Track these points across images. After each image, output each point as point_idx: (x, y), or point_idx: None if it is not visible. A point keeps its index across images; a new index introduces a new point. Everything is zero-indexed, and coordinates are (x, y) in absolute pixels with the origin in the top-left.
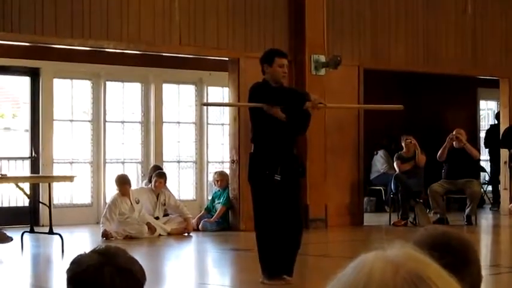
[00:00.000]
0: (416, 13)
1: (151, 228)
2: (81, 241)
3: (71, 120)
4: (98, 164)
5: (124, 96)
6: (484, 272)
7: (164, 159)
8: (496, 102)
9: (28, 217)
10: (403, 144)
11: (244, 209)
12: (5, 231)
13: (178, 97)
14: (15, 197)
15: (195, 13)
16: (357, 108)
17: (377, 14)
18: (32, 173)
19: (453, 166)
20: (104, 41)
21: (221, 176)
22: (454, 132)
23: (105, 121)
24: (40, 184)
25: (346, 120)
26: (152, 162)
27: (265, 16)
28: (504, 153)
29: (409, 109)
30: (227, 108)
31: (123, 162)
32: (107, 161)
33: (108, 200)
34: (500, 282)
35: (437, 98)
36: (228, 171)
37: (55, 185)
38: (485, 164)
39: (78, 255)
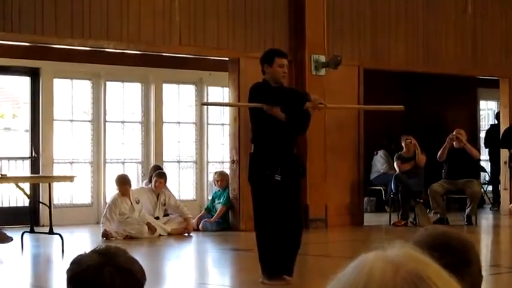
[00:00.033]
0: (417, 13)
1: (152, 228)
2: (81, 241)
3: (71, 120)
4: (98, 164)
5: (124, 96)
6: (484, 272)
7: (164, 159)
8: (496, 102)
9: (28, 217)
10: (403, 144)
11: (244, 209)
12: (5, 231)
13: (178, 97)
14: (16, 197)
15: (195, 13)
16: (357, 109)
17: (377, 14)
18: (32, 173)
19: (453, 166)
20: (104, 41)
21: (221, 176)
22: (454, 132)
23: (105, 121)
24: (40, 184)
25: (346, 120)
26: (152, 162)
27: (265, 16)
28: (504, 153)
29: (409, 109)
30: (227, 108)
31: (123, 162)
32: (107, 161)
33: (108, 200)
34: (500, 282)
35: (437, 98)
36: (228, 171)
37: (55, 185)
38: (486, 164)
39: (78, 255)
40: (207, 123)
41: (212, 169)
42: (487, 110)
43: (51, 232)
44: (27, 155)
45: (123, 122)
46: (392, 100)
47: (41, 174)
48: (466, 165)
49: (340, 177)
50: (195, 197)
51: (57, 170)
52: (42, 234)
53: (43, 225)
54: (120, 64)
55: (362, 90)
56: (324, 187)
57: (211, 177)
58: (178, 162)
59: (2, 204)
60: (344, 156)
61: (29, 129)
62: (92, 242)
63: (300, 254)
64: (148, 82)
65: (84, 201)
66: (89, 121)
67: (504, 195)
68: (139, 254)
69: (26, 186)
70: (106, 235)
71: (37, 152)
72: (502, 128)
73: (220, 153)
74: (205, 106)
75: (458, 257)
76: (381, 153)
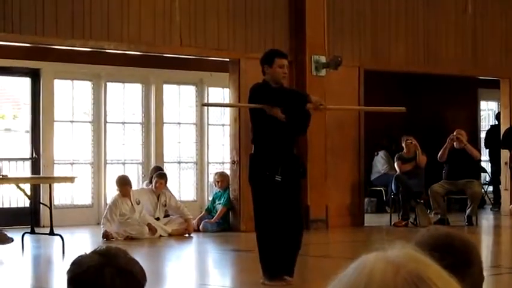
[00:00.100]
0: (417, 13)
1: (152, 229)
2: (81, 242)
3: (72, 121)
4: (98, 164)
5: (124, 97)
6: (485, 272)
7: (165, 160)
8: (497, 103)
9: (29, 218)
10: (403, 145)
11: (244, 210)
12: (5, 232)
13: (178, 98)
14: (16, 198)
15: (195, 14)
16: (358, 110)
17: (377, 14)
18: (32, 173)
19: (454, 167)
20: (105, 42)
21: (222, 177)
22: (454, 133)
23: (105, 122)
24: (41, 185)
25: (347, 121)
26: (153, 163)
27: (266, 17)
28: (505, 153)
29: (409, 109)
30: (228, 109)
31: (123, 163)
32: (107, 161)
33: (108, 201)
34: (500, 282)
35: (437, 98)
36: (228, 172)
37: (56, 186)
38: (486, 165)
39: (78, 256)
40: (208, 124)
41: (213, 170)
42: (488, 111)
43: (51, 233)
44: (28, 155)
45: (123, 123)
46: (392, 101)
47: (41, 175)
48: (467, 166)
49: (341, 177)
50: (195, 198)
51: (58, 171)
52: (43, 235)
53: (44, 226)
54: (120, 65)
55: (362, 91)
56: (325, 188)
57: (211, 178)
58: (179, 163)
59: (3, 205)
60: (344, 157)
61: (30, 130)
62: (92, 242)
63: (301, 255)
64: (149, 83)
65: (85, 202)
66: (90, 122)
67: (505, 195)
68: (139, 255)
69: (27, 187)
70: (106, 236)
71: (38, 153)
72: (503, 129)
73: (221, 153)
74: (205, 107)
75: (459, 258)
76: (381, 153)
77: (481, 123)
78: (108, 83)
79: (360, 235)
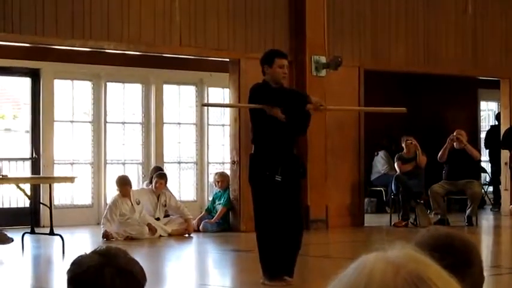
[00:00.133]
0: (417, 13)
1: (152, 229)
2: (81, 242)
3: (72, 121)
4: (98, 165)
5: (124, 97)
6: (485, 272)
7: (165, 160)
8: (497, 103)
9: (29, 218)
10: (403, 145)
11: (244, 210)
12: (5, 232)
13: (178, 98)
14: (16, 198)
15: (195, 14)
16: (359, 111)
17: (377, 14)
18: (32, 173)
19: (454, 167)
20: (105, 42)
21: (222, 177)
22: (454, 133)
23: (105, 122)
24: (41, 185)
25: (347, 121)
26: (153, 163)
27: (266, 17)
28: (505, 154)
29: (409, 110)
30: (228, 109)
31: (123, 163)
32: (107, 162)
33: (108, 201)
34: (500, 283)
35: (437, 98)
36: (228, 172)
37: (56, 186)
38: (486, 165)
39: (78, 256)
40: (208, 124)
41: (213, 170)
42: (488, 111)
43: (51, 233)
44: (28, 155)
45: (123, 123)
46: (392, 101)
47: (41, 175)
48: (467, 166)
49: (341, 178)
50: (195, 198)
51: (58, 171)
52: (43, 235)
53: (43, 226)
54: (120, 65)
55: (362, 91)
56: (325, 188)
57: (211, 178)
58: (179, 163)
59: (3, 205)
60: (344, 157)
61: (30, 130)
62: (92, 242)
63: (301, 255)
64: (149, 83)
65: (85, 202)
66: (90, 122)
67: (505, 196)
68: (139, 255)
69: (27, 187)
70: (106, 236)
71: (37, 153)
72: (503, 129)
73: (221, 154)
74: (205, 107)
75: (459, 258)
76: (381, 154)
77: (481, 124)
78: (108, 83)
79: (360, 235)
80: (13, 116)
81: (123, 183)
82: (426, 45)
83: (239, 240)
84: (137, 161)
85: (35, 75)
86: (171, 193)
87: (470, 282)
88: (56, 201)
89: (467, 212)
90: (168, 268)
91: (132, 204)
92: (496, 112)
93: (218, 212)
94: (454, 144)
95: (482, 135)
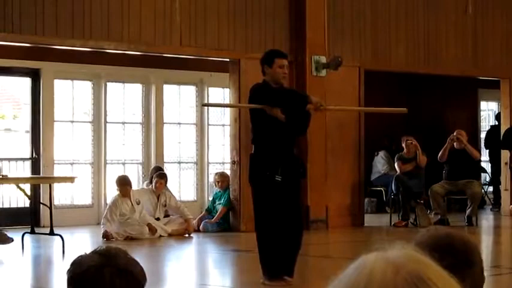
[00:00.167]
0: (417, 14)
1: (152, 229)
2: (81, 242)
3: (72, 121)
4: (98, 165)
5: (125, 97)
6: (485, 273)
7: (165, 160)
8: (497, 103)
9: (29, 218)
10: (403, 145)
11: (245, 210)
12: (5, 232)
13: (179, 98)
14: (16, 198)
15: (195, 14)
16: (360, 111)
17: (377, 14)
18: (32, 173)
19: (454, 167)
20: (105, 42)
21: (222, 177)
22: (454, 133)
23: (105, 122)
24: (41, 185)
25: (347, 121)
26: (153, 163)
27: (266, 17)
28: (505, 154)
29: (409, 110)
30: (228, 109)
31: (123, 163)
32: (107, 162)
33: (108, 201)
34: (500, 283)
35: (438, 98)
36: (228, 172)
37: (56, 186)
38: (486, 165)
39: (78, 256)
40: (208, 124)
41: (213, 170)
42: (488, 111)
43: (51, 233)
44: (28, 155)
45: (123, 123)
46: (392, 101)
47: (41, 175)
48: (467, 166)
49: (341, 178)
50: (195, 198)
51: (58, 171)
52: (43, 235)
53: (44, 226)
54: (120, 65)
55: (363, 91)
56: (325, 188)
57: (211, 178)
58: (179, 163)
59: (3, 205)
60: (345, 157)
61: (30, 130)
62: (92, 242)
63: (301, 255)
64: (149, 83)
65: (85, 202)
66: (90, 122)
67: (505, 196)
68: (139, 255)
69: (27, 187)
70: (106, 236)
71: (38, 153)
72: (503, 129)
73: (221, 154)
74: (205, 107)
75: (460, 258)
76: (381, 154)
77: (481, 124)
78: (108, 83)
79: (360, 235)
80: (13, 116)
81: (123, 183)
82: (426, 46)
83: (239, 240)
84: (137, 161)
85: (35, 75)
86: (171, 193)
87: (471, 283)
88: (56, 201)
89: (467, 212)
90: (168, 268)
91: (132, 204)
92: (496, 112)
93: (218, 212)
94: (454, 144)
95: (482, 135)
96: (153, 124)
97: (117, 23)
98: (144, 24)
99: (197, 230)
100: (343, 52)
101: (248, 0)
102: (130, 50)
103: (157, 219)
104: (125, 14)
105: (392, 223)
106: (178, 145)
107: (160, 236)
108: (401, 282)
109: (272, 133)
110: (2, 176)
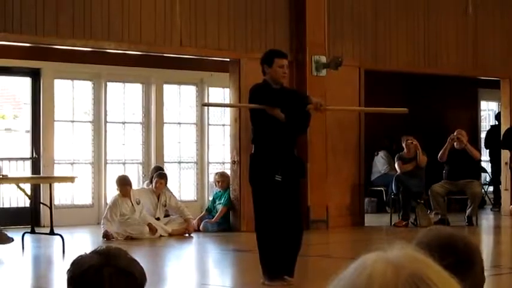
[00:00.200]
0: (417, 14)
1: (152, 229)
2: (82, 242)
3: (72, 121)
4: (98, 164)
5: (125, 96)
6: (485, 272)
7: (165, 160)
8: (497, 103)
9: (29, 218)
10: (404, 145)
11: (245, 210)
12: (5, 232)
13: (179, 98)
14: (16, 198)
15: (195, 14)
16: (360, 111)
17: (378, 14)
18: (32, 173)
19: (454, 167)
20: (105, 42)
21: (222, 177)
22: (455, 133)
23: (106, 122)
24: (41, 185)
25: (347, 121)
26: (153, 163)
27: (266, 17)
28: (505, 154)
29: (410, 110)
30: (228, 109)
31: (124, 163)
32: (107, 161)
33: (109, 201)
34: (501, 283)
35: (438, 98)
36: (229, 172)
37: (56, 186)
38: (486, 165)
39: (78, 256)
40: (208, 124)
41: (213, 170)
42: (488, 111)
43: (52, 233)
44: (28, 155)
45: (123, 123)
46: (392, 101)
47: (41, 174)
48: (467, 166)
49: (341, 178)
50: (195, 198)
51: (58, 171)
52: (43, 235)
53: (44, 226)
54: (121, 65)
55: (363, 91)
56: (325, 188)
57: (212, 178)
58: (179, 163)
59: (3, 204)
60: (345, 157)
61: (30, 129)
62: (92, 242)
63: (301, 255)
64: (149, 83)
65: (85, 202)
66: (90, 122)
67: (505, 196)
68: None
69: (27, 187)
70: (107, 236)
71: (38, 153)
72: (503, 129)
73: (221, 153)
74: (206, 107)
75: (461, 258)
76: (381, 153)
77: (481, 124)
78: (108, 83)
79: (360, 235)
80: (13, 116)
81: (123, 183)
82: (426, 45)
83: (239, 240)
84: (137, 161)
85: (35, 75)
86: (171, 193)
87: (471, 283)
88: (56, 201)
89: (468, 212)
90: (168, 268)
91: (132, 204)
92: (496, 112)
93: (218, 212)
94: (455, 144)
95: (483, 135)
96: (153, 124)
97: (118, 23)
98: (144, 24)
99: (197, 230)
100: (343, 52)
101: (248, 0)
102: (131, 50)
103: (158, 219)
104: (125, 14)
105: (393, 223)
106: (179, 145)
107: (161, 236)
108: (401, 282)
109: (272, 133)
110: (2, 175)
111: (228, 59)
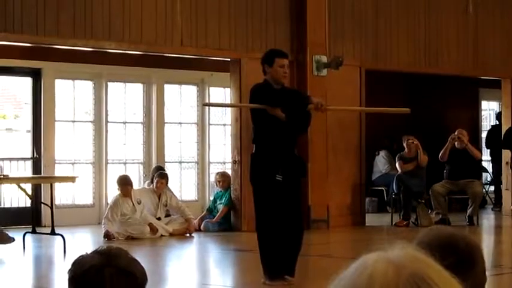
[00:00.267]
0: (418, 13)
1: (153, 229)
2: (83, 242)
3: (73, 121)
4: (99, 164)
5: (126, 96)
6: (486, 272)
7: (166, 160)
8: (498, 103)
9: (30, 218)
10: (404, 145)
11: (246, 210)
12: (6, 232)
13: (180, 98)
14: (17, 198)
15: (196, 14)
16: (362, 111)
17: (378, 13)
18: (33, 173)
19: (455, 166)
20: (106, 42)
21: (223, 177)
22: (456, 133)
23: (107, 122)
24: (42, 185)
25: (348, 121)
26: (154, 163)
27: (267, 16)
28: (506, 153)
29: (410, 109)
30: (229, 109)
31: (124, 163)
32: (108, 161)
33: (109, 201)
34: (501, 282)
35: (438, 98)
36: (229, 172)
37: (57, 186)
38: (487, 165)
39: (79, 256)
40: (209, 124)
41: (214, 170)
42: (489, 111)
43: (53, 233)
44: (29, 155)
45: (124, 123)
46: (393, 100)
47: (42, 174)
48: (468, 166)
49: (342, 177)
50: (196, 198)
51: (59, 171)
52: (44, 235)
53: (45, 226)
54: (121, 65)
55: (364, 91)
56: (326, 188)
57: (213, 178)
58: (180, 162)
59: (4, 204)
60: (346, 157)
61: (31, 129)
62: (93, 242)
63: (302, 255)
64: (150, 83)
65: (86, 202)
66: (91, 121)
67: (506, 195)
68: (140, 255)
69: (28, 187)
70: (108, 236)
71: (39, 153)
72: (504, 129)
73: (222, 153)
74: (206, 106)
75: (462, 258)
76: (382, 153)
77: (482, 123)
78: (109, 83)
79: (361, 235)
80: (14, 116)
81: (124, 183)
82: (427, 45)
83: (240, 240)
84: (138, 161)
85: (36, 75)
86: (172, 193)
87: (472, 283)
88: (57, 201)
89: (469, 211)
90: (169, 268)
91: (133, 203)
92: (497, 112)
93: (219, 212)
94: (456, 143)
95: (483, 134)
96: (154, 124)
97: (119, 22)
98: (145, 24)
99: (198, 230)
100: (344, 52)
101: (249, 0)
102: (132, 50)
103: (159, 218)
104: (126, 13)
105: (394, 223)
106: (179, 145)
107: (162, 235)
108: (402, 282)
109: (273, 133)
110: (3, 175)
111: (229, 59)
